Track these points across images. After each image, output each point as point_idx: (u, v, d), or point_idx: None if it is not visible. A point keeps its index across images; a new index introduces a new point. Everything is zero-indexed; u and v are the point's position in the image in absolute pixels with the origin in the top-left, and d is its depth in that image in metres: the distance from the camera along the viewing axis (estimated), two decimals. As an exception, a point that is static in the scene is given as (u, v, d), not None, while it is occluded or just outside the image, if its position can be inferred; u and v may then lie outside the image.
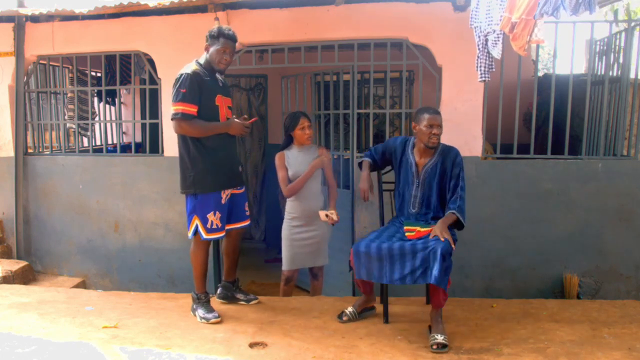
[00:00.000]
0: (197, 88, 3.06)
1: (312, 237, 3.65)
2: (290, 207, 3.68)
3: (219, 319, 3.17)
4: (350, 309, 3.22)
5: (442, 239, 2.80)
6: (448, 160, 3.10)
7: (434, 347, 2.75)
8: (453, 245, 2.84)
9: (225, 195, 3.23)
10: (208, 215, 3.16)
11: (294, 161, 3.60)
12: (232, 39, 3.16)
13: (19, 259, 4.72)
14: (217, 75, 3.26)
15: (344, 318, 3.19)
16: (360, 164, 3.33)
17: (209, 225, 3.16)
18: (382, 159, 3.32)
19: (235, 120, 3.20)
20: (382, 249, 2.89)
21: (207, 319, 3.18)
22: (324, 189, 3.77)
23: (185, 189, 3.20)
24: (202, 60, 3.20)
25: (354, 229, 4.18)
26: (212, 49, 3.13)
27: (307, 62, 4.29)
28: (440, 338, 2.78)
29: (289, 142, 3.67)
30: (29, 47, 4.66)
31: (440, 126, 3.05)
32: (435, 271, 2.72)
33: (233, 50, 3.20)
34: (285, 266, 3.69)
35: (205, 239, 3.20)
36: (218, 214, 3.18)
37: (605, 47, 4.19)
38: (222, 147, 3.18)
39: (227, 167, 3.23)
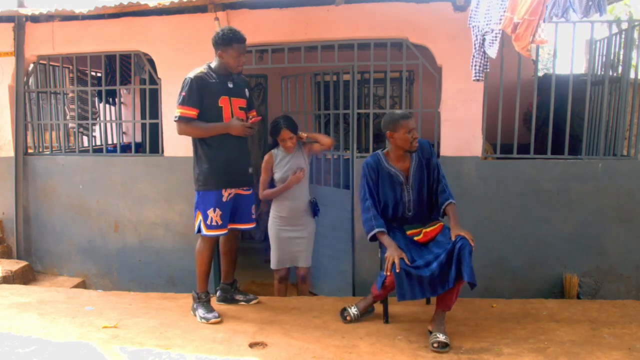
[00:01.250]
0: (197, 91, 3.15)
1: (298, 237, 3.73)
2: (277, 207, 3.75)
3: (219, 319, 3.18)
4: (354, 311, 3.21)
5: (471, 241, 2.80)
6: (425, 154, 3.13)
7: (435, 345, 2.75)
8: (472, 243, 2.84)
9: (227, 193, 3.28)
10: (208, 212, 3.23)
11: (282, 163, 3.69)
12: (244, 41, 3.22)
13: (19, 259, 4.71)
14: (232, 76, 3.31)
15: (347, 318, 3.19)
16: (373, 237, 3.04)
17: (208, 222, 3.23)
18: (379, 203, 3.14)
19: (236, 120, 3.24)
20: (422, 272, 2.83)
21: (207, 319, 3.18)
22: (312, 187, 3.88)
23: (194, 185, 3.32)
24: (214, 64, 3.27)
25: (354, 229, 4.18)
26: (227, 56, 3.19)
27: (307, 62, 4.29)
28: (441, 337, 2.78)
29: (276, 143, 3.77)
30: (29, 47, 4.66)
31: (416, 128, 3.06)
32: (467, 269, 2.71)
33: (245, 50, 3.26)
34: (273, 265, 3.80)
35: (205, 234, 3.27)
36: (218, 211, 3.23)
37: (605, 48, 4.19)
38: (226, 147, 3.24)
39: (231, 167, 3.27)
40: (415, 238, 3.03)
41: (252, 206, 3.48)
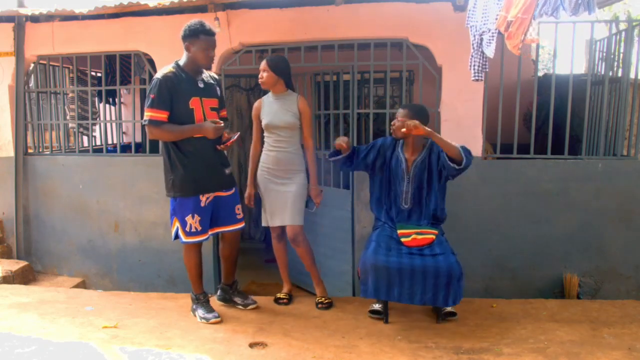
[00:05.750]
0: (167, 93, 3.04)
1: (286, 191, 3.50)
2: (265, 157, 3.56)
3: (219, 319, 3.18)
4: (377, 307, 3.28)
5: (410, 127, 2.91)
6: (433, 155, 3.19)
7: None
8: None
9: (205, 198, 3.17)
10: (186, 219, 3.13)
11: (269, 109, 3.50)
12: (212, 34, 3.12)
13: (19, 259, 4.71)
14: (202, 75, 3.22)
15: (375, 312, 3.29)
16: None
17: (187, 229, 3.14)
18: (364, 158, 3.34)
19: (209, 123, 3.10)
20: (390, 266, 2.92)
21: (207, 319, 3.18)
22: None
23: (167, 191, 3.21)
24: (182, 61, 3.16)
25: (354, 229, 4.17)
26: (194, 49, 3.08)
27: (307, 62, 4.28)
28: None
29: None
30: (29, 47, 4.65)
31: (399, 120, 3.18)
32: (452, 296, 2.90)
33: (215, 44, 3.15)
34: (264, 222, 3.63)
35: (184, 242, 3.19)
36: (197, 217, 3.14)
37: (605, 47, 4.19)
38: (200, 151, 3.13)
39: (208, 171, 3.16)
40: (403, 239, 3.03)
41: (236, 206, 3.34)
